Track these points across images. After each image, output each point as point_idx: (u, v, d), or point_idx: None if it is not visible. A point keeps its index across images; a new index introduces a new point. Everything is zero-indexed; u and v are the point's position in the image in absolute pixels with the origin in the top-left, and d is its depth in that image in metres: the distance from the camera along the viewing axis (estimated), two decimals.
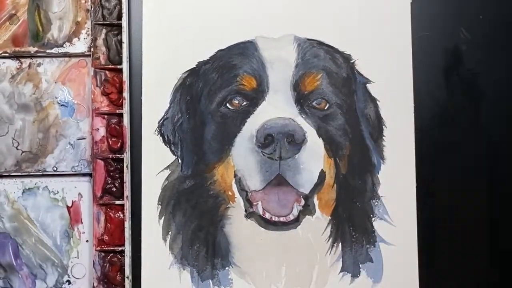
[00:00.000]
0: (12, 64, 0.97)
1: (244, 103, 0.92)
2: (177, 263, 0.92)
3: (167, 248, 0.92)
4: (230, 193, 0.92)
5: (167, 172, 0.93)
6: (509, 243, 0.96)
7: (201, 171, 0.93)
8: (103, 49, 0.96)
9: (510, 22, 0.97)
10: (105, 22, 0.96)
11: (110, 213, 0.95)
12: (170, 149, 0.93)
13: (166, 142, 0.93)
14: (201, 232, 0.92)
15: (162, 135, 0.93)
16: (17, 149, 0.97)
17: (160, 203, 0.93)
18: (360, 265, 0.92)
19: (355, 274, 0.92)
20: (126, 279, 0.93)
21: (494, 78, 0.97)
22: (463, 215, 0.95)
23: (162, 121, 0.93)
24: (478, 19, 0.97)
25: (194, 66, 0.94)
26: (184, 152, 0.93)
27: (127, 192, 0.93)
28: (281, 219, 0.91)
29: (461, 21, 0.96)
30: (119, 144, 0.95)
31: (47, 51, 0.97)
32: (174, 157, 0.93)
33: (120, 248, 0.93)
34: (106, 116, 0.95)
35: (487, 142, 0.96)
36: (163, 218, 0.93)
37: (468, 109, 0.97)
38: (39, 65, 0.97)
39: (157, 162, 0.93)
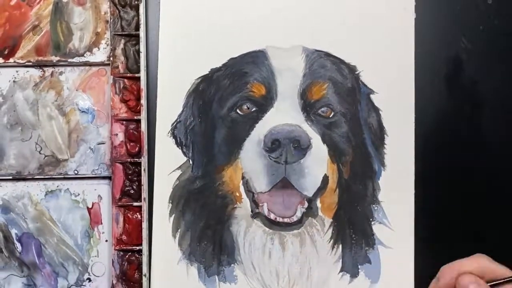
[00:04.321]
0: (35, 72, 1.00)
1: (254, 109, 0.94)
2: (185, 259, 0.95)
3: (176, 244, 0.95)
4: (237, 194, 0.95)
5: (179, 172, 0.96)
6: (508, 248, 0.96)
7: (210, 172, 0.95)
8: (122, 58, 0.98)
9: (509, 33, 1.00)
10: (123, 33, 0.98)
11: (128, 214, 0.97)
12: (182, 151, 0.96)
13: (178, 144, 0.96)
14: (208, 230, 0.95)
15: (174, 137, 0.96)
16: (40, 153, 0.99)
17: (171, 201, 0.96)
18: (359, 266, 0.95)
19: (354, 275, 0.95)
20: (143, 277, 0.95)
21: (494, 86, 0.99)
22: (461, 221, 0.98)
23: (175, 124, 0.96)
24: (479, 30, 1.00)
25: (207, 72, 0.97)
26: (195, 154, 0.96)
27: (144, 194, 0.95)
28: (285, 220, 0.94)
29: (462, 32, 0.99)
30: (137, 149, 0.97)
31: (69, 60, 0.99)
32: (185, 158, 0.96)
33: (137, 248, 0.96)
34: (124, 122, 0.98)
35: (487, 150, 0.99)
36: (173, 216, 0.95)
37: (468, 117, 0.99)
38: (61, 73, 1.00)
39: (169, 162, 0.96)
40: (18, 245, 0.99)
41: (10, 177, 0.99)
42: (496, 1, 0.99)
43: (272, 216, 0.94)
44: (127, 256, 0.97)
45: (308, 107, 0.94)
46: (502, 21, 0.99)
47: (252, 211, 0.95)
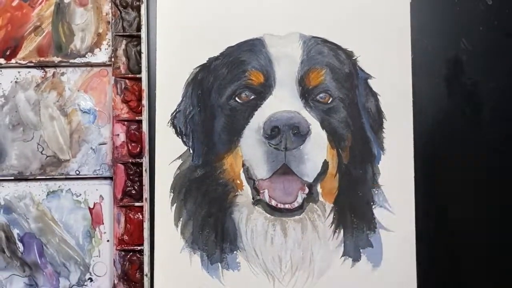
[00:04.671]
0: (37, 73, 1.00)
1: (252, 97, 0.95)
2: (188, 247, 0.96)
3: (178, 233, 0.96)
4: (238, 181, 0.96)
5: (179, 161, 0.96)
6: (506, 229, 0.99)
7: (211, 161, 0.96)
8: (123, 59, 0.99)
9: (509, 33, 1.00)
10: (125, 34, 0.99)
11: (130, 214, 0.98)
12: (182, 140, 0.97)
13: (178, 133, 0.97)
14: (210, 218, 0.96)
15: (174, 126, 0.97)
16: (42, 153, 1.00)
17: (172, 191, 0.96)
18: (361, 250, 0.95)
19: (356, 259, 0.95)
20: (144, 277, 0.96)
21: (494, 86, 1.00)
22: (460, 203, 0.98)
23: (174, 113, 0.97)
24: (479, 30, 1.00)
25: (205, 62, 0.97)
26: (195, 143, 0.96)
27: (146, 194, 0.96)
28: (286, 206, 0.94)
29: (462, 32, 1.00)
30: (138, 149, 0.98)
31: (70, 61, 1.00)
32: (186, 148, 0.96)
33: (139, 248, 0.96)
34: (126, 123, 0.98)
35: (482, 131, 0.99)
36: (175, 205, 0.96)
37: (468, 117, 1.00)
38: (62, 74, 1.00)
39: (170, 152, 0.96)
40: (20, 245, 0.99)
41: (12, 178, 0.99)
42: (496, 1, 1.00)
43: (273, 203, 0.94)
44: (128, 256, 0.97)
45: (307, 93, 0.95)
46: (502, 21, 1.00)
47: (253, 198, 0.95)
